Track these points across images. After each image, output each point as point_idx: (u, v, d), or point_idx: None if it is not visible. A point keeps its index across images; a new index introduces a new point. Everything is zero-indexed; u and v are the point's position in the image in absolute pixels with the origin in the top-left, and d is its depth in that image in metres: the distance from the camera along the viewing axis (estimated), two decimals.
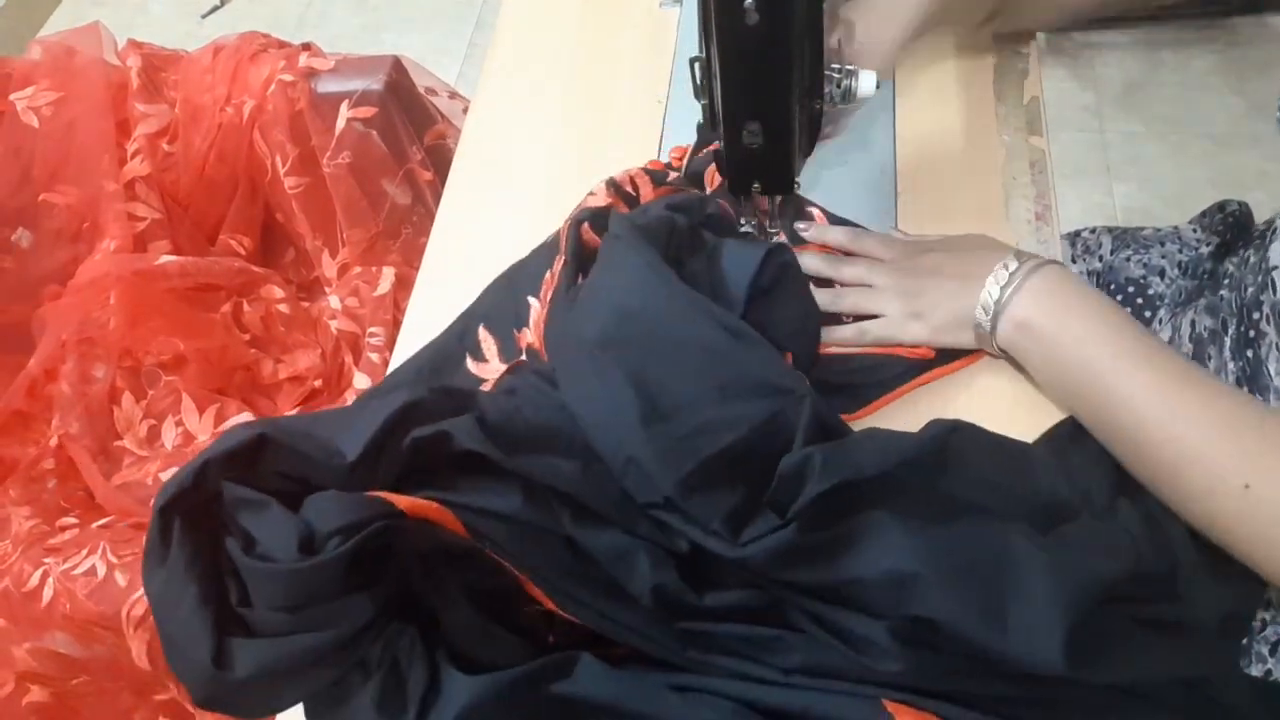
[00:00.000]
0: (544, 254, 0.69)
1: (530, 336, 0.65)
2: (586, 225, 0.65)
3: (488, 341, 0.67)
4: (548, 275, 0.66)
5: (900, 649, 0.45)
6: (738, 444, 0.48)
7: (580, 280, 0.62)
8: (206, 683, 0.42)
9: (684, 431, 0.48)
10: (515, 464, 0.47)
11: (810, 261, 0.67)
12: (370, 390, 0.67)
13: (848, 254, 0.68)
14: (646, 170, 0.71)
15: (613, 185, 0.69)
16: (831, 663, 0.47)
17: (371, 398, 0.64)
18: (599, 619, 0.48)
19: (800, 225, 0.70)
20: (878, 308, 0.64)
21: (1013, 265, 0.58)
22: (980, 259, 0.60)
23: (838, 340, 0.65)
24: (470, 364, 0.66)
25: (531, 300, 0.67)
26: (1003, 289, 0.57)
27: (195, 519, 0.44)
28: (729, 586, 0.49)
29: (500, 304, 0.68)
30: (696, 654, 0.48)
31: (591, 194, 0.69)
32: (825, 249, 0.70)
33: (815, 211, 0.71)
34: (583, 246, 0.64)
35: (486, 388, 0.64)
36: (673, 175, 0.70)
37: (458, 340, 0.67)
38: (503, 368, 0.65)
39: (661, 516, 0.47)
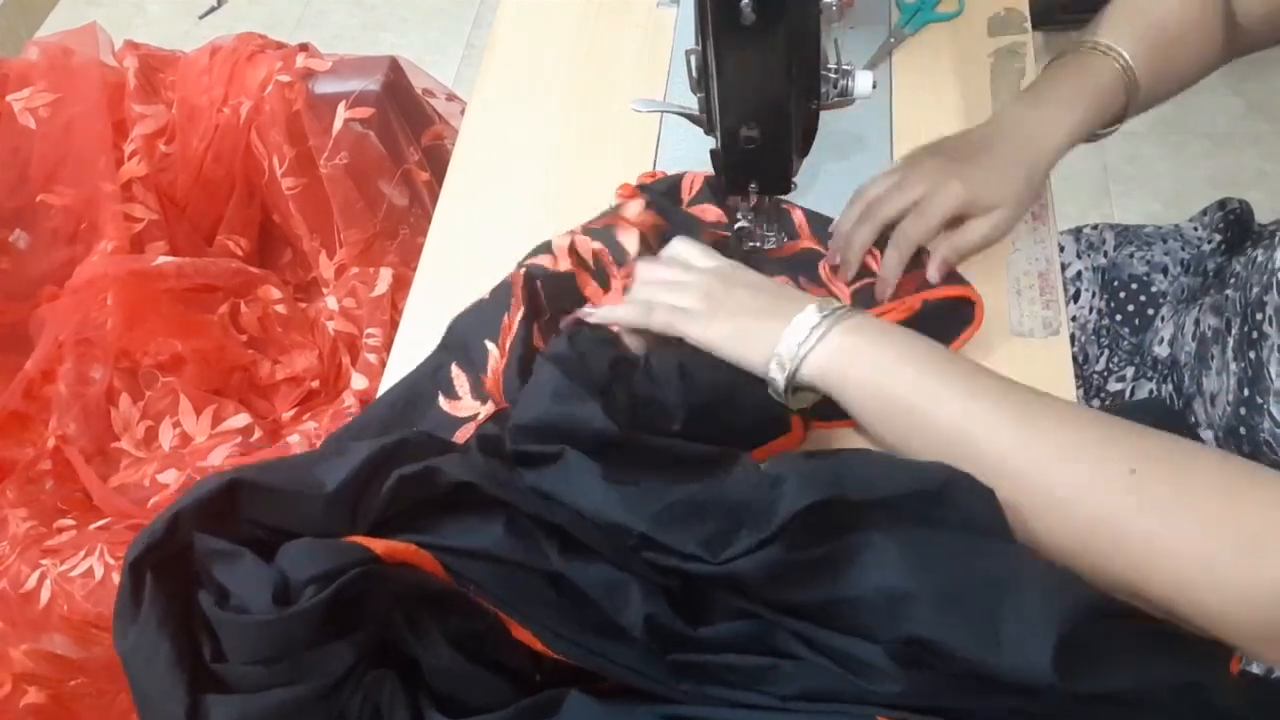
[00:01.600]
0: (502, 296, 0.66)
1: (489, 383, 0.64)
2: (539, 284, 0.63)
3: (460, 379, 0.65)
4: (505, 320, 0.64)
5: (899, 670, 0.44)
6: (699, 493, 0.47)
7: (536, 332, 0.62)
8: None
9: (645, 492, 0.47)
10: (503, 492, 0.47)
11: (617, 312, 0.60)
12: (339, 430, 0.65)
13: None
14: (609, 246, 0.66)
15: (575, 253, 0.65)
16: (829, 687, 0.45)
17: (340, 438, 0.64)
18: (588, 655, 0.46)
19: (587, 309, 0.63)
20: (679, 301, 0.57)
21: (821, 314, 0.52)
22: (787, 304, 0.54)
23: (891, 269, 0.63)
24: (443, 401, 0.64)
25: (490, 346, 0.64)
26: (811, 335, 0.52)
27: (168, 573, 0.43)
28: (721, 618, 0.48)
29: (468, 342, 0.66)
30: (691, 686, 0.47)
31: (551, 255, 0.65)
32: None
33: (797, 215, 0.71)
34: (538, 302, 0.62)
35: (461, 430, 0.63)
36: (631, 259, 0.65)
37: (430, 377, 0.65)
38: (475, 404, 0.64)
39: (643, 556, 0.46)
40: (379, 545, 0.44)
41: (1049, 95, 0.67)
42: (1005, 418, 0.47)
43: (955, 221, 0.64)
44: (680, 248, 0.62)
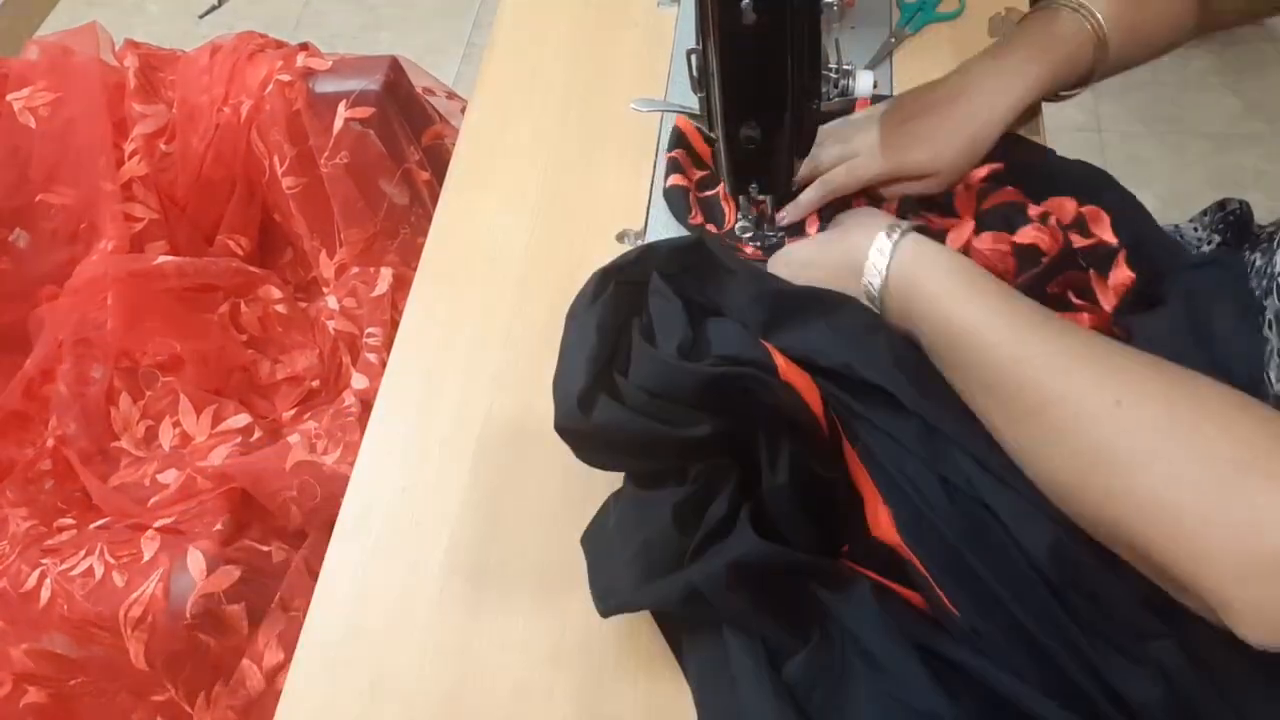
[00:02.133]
0: None
1: None
2: None
3: None
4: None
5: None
6: None
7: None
8: (567, 414, 0.52)
9: None
10: (923, 406, 0.51)
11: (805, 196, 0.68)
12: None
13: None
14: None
15: None
16: None
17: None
18: (942, 561, 0.49)
19: (780, 215, 0.70)
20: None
21: (894, 237, 0.56)
22: (857, 249, 0.58)
23: (802, 205, 0.68)
24: None
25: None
26: (884, 263, 0.55)
27: (623, 293, 0.55)
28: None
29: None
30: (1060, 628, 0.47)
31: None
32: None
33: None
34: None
35: None
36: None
37: None
38: None
39: None
40: (782, 360, 0.52)
41: (1013, 54, 0.67)
42: (1016, 334, 0.49)
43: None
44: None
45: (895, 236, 0.55)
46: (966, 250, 0.62)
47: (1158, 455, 0.42)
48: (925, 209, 0.67)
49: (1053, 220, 0.60)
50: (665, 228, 0.74)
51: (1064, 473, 0.46)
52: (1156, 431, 0.43)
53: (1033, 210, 0.61)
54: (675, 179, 0.73)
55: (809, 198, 0.68)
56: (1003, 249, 0.60)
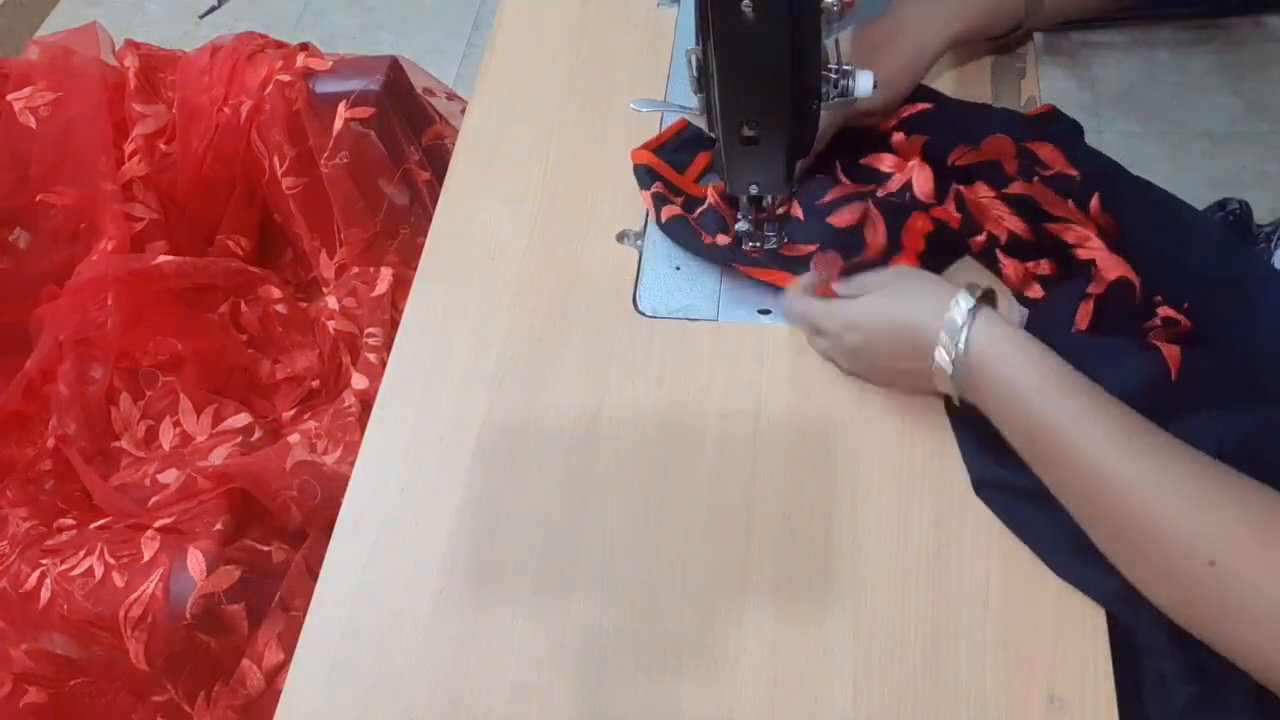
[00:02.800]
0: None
1: None
2: None
3: None
4: None
5: None
6: None
7: None
8: None
9: None
10: None
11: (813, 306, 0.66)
12: None
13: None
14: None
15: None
16: None
17: None
18: None
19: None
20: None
21: (960, 318, 0.54)
22: (911, 326, 0.57)
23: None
24: None
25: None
26: (959, 344, 0.54)
27: None
28: None
29: None
30: None
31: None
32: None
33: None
34: None
35: None
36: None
37: None
38: None
39: None
40: None
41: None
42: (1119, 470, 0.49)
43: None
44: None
45: (966, 315, 0.54)
46: (943, 194, 0.67)
47: (1246, 613, 0.44)
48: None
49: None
50: (665, 229, 0.74)
51: (1157, 595, 0.48)
52: (1248, 591, 0.44)
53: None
54: (668, 210, 0.72)
55: None
56: (995, 199, 0.65)
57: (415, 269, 0.76)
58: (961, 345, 0.54)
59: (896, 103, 0.72)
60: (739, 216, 0.69)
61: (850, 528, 0.59)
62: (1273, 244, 0.70)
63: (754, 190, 0.65)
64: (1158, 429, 0.50)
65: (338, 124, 1.09)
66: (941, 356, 0.55)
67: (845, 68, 0.61)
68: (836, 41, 0.63)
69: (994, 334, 0.53)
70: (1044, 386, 0.51)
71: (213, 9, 2.21)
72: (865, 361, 0.62)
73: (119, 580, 0.91)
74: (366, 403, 1.04)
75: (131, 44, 1.15)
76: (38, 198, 1.11)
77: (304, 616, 0.61)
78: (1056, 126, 0.70)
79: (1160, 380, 0.55)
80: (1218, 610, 0.45)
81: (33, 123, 1.10)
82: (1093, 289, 0.60)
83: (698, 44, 0.57)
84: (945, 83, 0.80)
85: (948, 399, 0.59)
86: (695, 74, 0.60)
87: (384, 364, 0.74)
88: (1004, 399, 0.53)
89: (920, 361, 0.56)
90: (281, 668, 0.93)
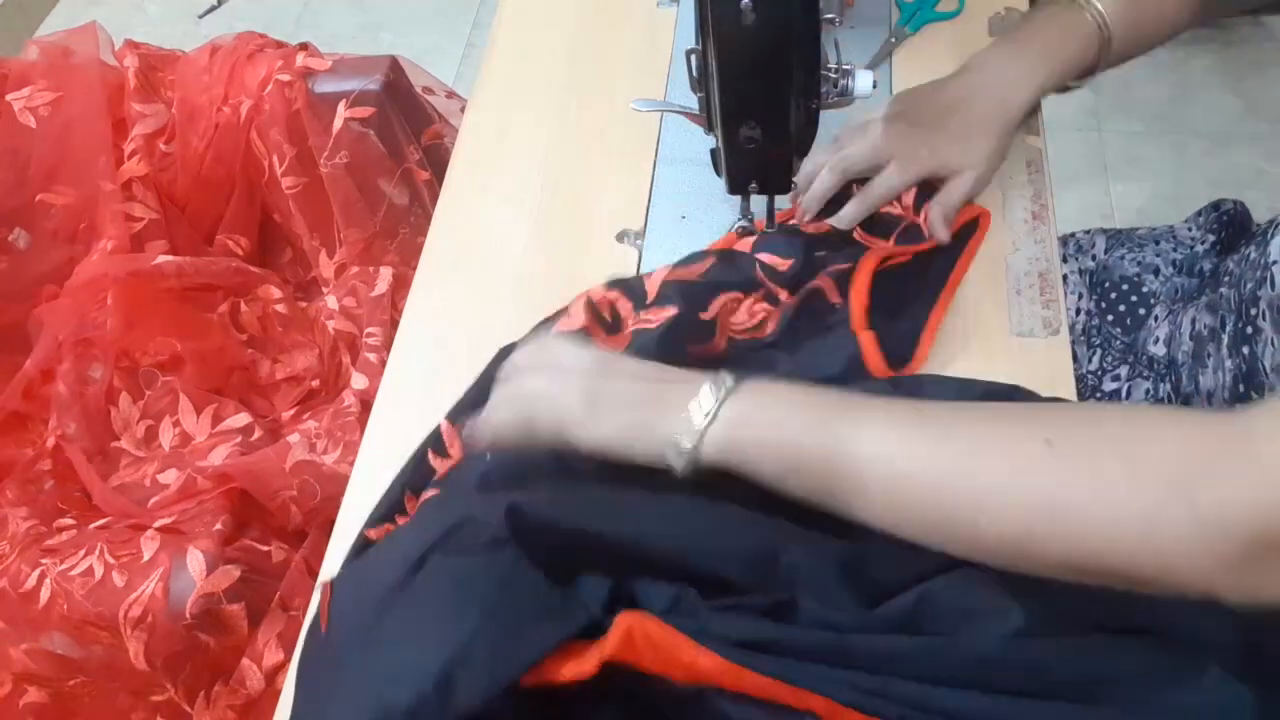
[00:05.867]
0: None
1: None
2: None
3: (450, 434, 0.63)
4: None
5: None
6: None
7: None
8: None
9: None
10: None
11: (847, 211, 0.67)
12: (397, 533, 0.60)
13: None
14: (627, 293, 0.65)
15: (591, 308, 0.63)
16: None
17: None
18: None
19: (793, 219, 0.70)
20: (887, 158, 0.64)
21: (720, 392, 0.49)
22: (673, 392, 0.50)
23: (848, 218, 0.67)
24: (431, 458, 0.63)
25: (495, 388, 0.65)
26: (713, 405, 0.48)
27: None
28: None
29: (465, 403, 0.65)
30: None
31: (567, 315, 0.64)
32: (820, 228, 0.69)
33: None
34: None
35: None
36: (651, 302, 0.64)
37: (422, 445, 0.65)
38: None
39: None
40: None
41: (1023, 50, 0.69)
42: (917, 436, 0.46)
43: (926, 183, 0.68)
44: (554, 341, 0.58)
45: (722, 390, 0.49)
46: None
47: (1097, 491, 0.41)
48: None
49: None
50: (665, 228, 0.75)
51: (1004, 531, 0.44)
52: (1094, 466, 0.42)
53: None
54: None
55: (851, 216, 0.68)
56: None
57: (415, 269, 0.76)
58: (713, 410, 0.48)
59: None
60: (738, 217, 0.69)
61: None
62: (1269, 234, 0.70)
63: (754, 190, 0.65)
64: (923, 405, 0.48)
65: (337, 124, 1.09)
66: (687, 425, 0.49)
67: (845, 67, 0.61)
68: (836, 41, 0.63)
69: (741, 399, 0.49)
70: (800, 430, 0.47)
71: (212, 9, 2.21)
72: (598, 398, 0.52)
73: (119, 580, 0.92)
74: (366, 403, 1.04)
75: (131, 44, 1.15)
76: (37, 198, 1.11)
77: (304, 616, 0.61)
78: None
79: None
80: (1074, 491, 0.42)
81: (32, 122, 1.10)
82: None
83: (698, 44, 0.57)
84: None
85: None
86: (695, 74, 0.60)
87: (384, 364, 0.74)
88: (767, 459, 0.48)
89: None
90: (281, 667, 0.93)
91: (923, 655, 0.44)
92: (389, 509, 0.62)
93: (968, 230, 0.69)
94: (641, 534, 0.47)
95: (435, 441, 0.64)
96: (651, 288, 0.64)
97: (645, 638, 0.43)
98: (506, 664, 0.43)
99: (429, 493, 0.61)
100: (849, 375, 0.60)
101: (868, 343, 0.60)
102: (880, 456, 0.46)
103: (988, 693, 0.43)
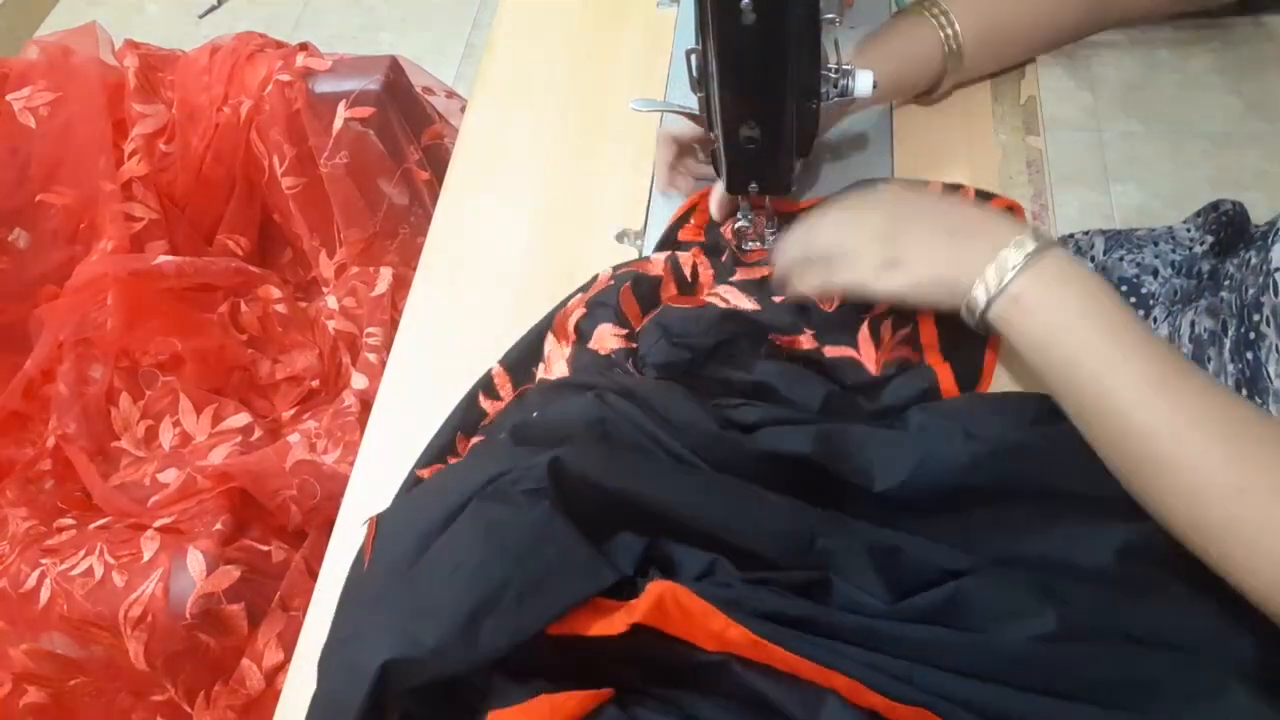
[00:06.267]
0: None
1: (543, 372, 0.65)
2: (629, 286, 0.64)
3: (501, 378, 0.66)
4: (560, 313, 0.67)
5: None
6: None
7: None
8: None
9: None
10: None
11: (785, 269, 0.64)
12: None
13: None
14: (712, 262, 0.68)
15: (672, 262, 0.66)
16: None
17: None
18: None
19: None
20: (853, 270, 0.58)
21: (1029, 246, 0.53)
22: (984, 221, 0.55)
23: (801, 293, 0.62)
24: (483, 400, 0.66)
25: (549, 336, 0.67)
26: (1015, 267, 0.53)
27: None
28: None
29: (519, 349, 0.68)
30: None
31: (649, 261, 0.67)
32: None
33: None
34: (620, 303, 0.64)
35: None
36: (739, 273, 0.67)
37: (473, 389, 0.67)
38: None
39: None
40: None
41: (867, 56, 0.70)
42: (1163, 403, 0.49)
43: None
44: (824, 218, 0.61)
45: (1037, 243, 0.53)
46: None
47: (1266, 547, 0.44)
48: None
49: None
50: (665, 227, 0.74)
51: (1177, 522, 0.48)
52: (1271, 523, 0.44)
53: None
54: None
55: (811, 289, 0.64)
56: None
57: (415, 269, 0.76)
58: (1006, 280, 0.53)
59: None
60: (738, 215, 0.69)
61: None
62: (1270, 238, 0.70)
63: (753, 190, 0.65)
64: (1192, 368, 0.50)
65: (337, 124, 1.09)
66: (980, 289, 0.54)
67: (845, 67, 0.61)
68: (836, 41, 0.63)
69: (1041, 276, 0.53)
70: (1078, 329, 0.51)
71: (212, 9, 2.21)
72: (908, 214, 0.58)
73: (119, 580, 0.92)
74: (366, 402, 1.04)
75: (131, 44, 1.15)
76: (37, 198, 1.12)
77: (304, 616, 0.61)
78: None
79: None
80: (1236, 538, 0.45)
81: (32, 122, 1.10)
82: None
83: (697, 44, 0.57)
84: None
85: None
86: (695, 74, 0.60)
87: (384, 364, 0.74)
88: (1036, 341, 0.53)
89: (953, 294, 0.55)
90: (281, 668, 0.93)
91: (952, 647, 0.45)
92: (440, 450, 0.63)
93: None
94: (681, 502, 0.49)
95: (486, 385, 0.65)
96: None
97: (677, 605, 0.45)
98: (532, 614, 0.45)
99: (478, 438, 0.62)
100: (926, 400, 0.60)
101: (945, 375, 0.60)
102: (1125, 403, 0.49)
103: (1013, 689, 0.44)
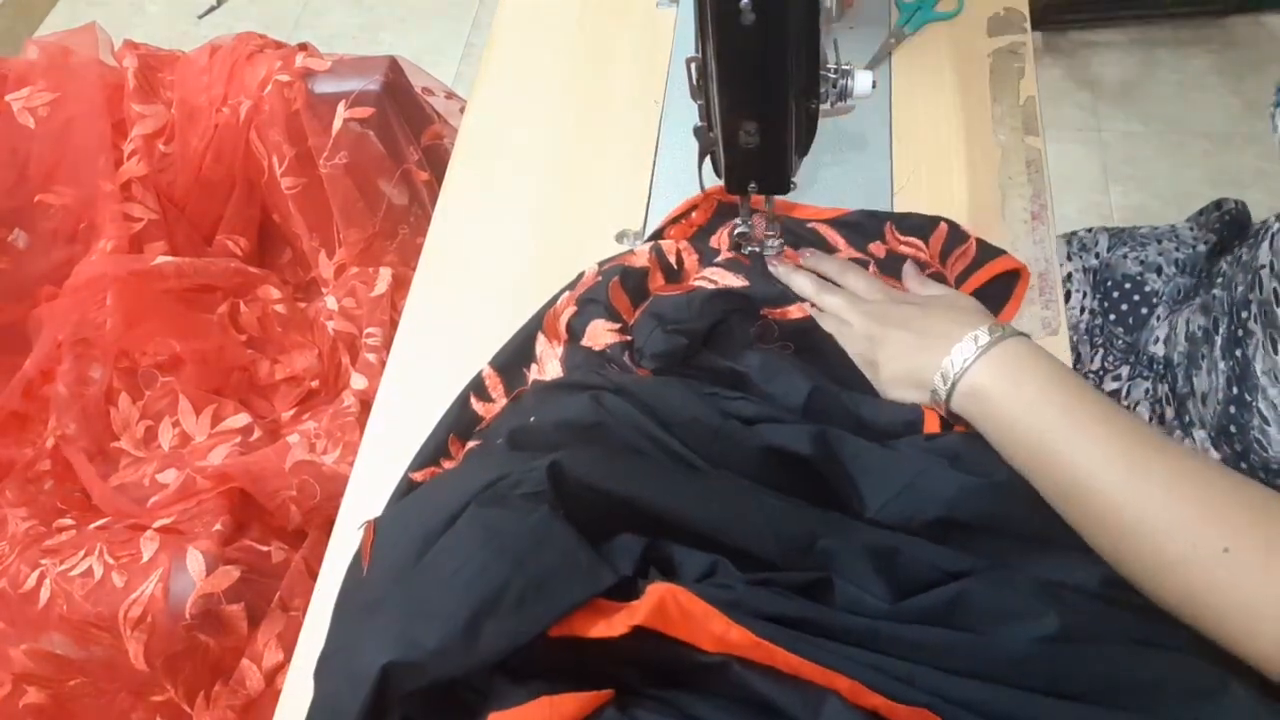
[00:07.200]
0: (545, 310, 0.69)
1: (536, 372, 0.65)
2: (617, 281, 0.65)
3: (492, 379, 0.66)
4: (550, 313, 0.67)
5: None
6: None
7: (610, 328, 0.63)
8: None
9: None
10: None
11: (799, 281, 0.67)
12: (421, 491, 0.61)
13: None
14: (696, 246, 0.68)
15: (656, 251, 0.67)
16: None
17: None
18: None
19: (807, 253, 0.70)
20: (845, 344, 0.63)
21: (984, 339, 0.56)
22: (950, 323, 0.58)
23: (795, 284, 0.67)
24: (474, 402, 0.66)
25: (540, 336, 0.67)
26: (965, 360, 0.55)
27: None
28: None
29: (509, 350, 0.68)
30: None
31: (633, 254, 0.67)
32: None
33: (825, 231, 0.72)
34: (610, 298, 0.64)
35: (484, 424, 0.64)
36: (722, 256, 0.68)
37: (465, 390, 0.67)
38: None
39: None
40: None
41: None
42: (1122, 472, 0.49)
43: (955, 228, 0.69)
44: (843, 275, 0.67)
45: (991, 336, 0.55)
46: None
47: (1258, 605, 0.44)
48: None
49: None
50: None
51: (1172, 596, 0.48)
52: (1260, 579, 0.44)
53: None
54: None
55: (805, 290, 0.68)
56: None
57: (415, 269, 0.76)
58: (959, 373, 0.55)
59: None
60: (739, 221, 0.69)
61: None
62: (1260, 237, 0.70)
63: (753, 191, 0.65)
64: (1158, 437, 0.50)
65: (337, 124, 1.09)
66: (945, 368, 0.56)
67: (845, 67, 0.61)
68: (836, 41, 0.63)
69: (993, 366, 0.54)
70: (1035, 414, 0.52)
71: (212, 9, 2.21)
72: (892, 319, 0.62)
73: (118, 580, 0.91)
74: (366, 403, 1.04)
75: (130, 44, 1.15)
76: (37, 198, 1.11)
77: (304, 616, 0.61)
78: None
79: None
80: (1227, 600, 0.45)
81: (31, 123, 1.10)
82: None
83: (697, 44, 0.57)
84: (945, 84, 0.80)
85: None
86: (694, 81, 0.60)
87: (383, 364, 0.74)
88: (1001, 427, 0.54)
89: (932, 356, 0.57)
90: (281, 668, 0.93)
91: (953, 648, 0.45)
92: (434, 452, 0.63)
93: (1007, 285, 0.68)
94: (680, 504, 0.49)
95: (478, 387, 0.65)
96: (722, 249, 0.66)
97: (678, 607, 0.45)
98: (532, 617, 0.45)
99: (473, 442, 0.62)
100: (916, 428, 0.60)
101: (931, 418, 0.60)
102: (1097, 479, 0.49)
103: (1014, 690, 0.44)
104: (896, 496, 0.52)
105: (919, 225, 0.70)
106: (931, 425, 0.58)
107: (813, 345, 0.63)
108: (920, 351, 0.58)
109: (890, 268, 0.69)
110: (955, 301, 0.64)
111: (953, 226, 0.70)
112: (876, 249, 0.71)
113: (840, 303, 0.65)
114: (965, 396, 0.55)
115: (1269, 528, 0.45)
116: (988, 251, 0.69)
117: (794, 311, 0.63)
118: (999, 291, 0.67)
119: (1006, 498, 0.52)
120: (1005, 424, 0.53)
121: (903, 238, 0.70)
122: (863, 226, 0.71)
